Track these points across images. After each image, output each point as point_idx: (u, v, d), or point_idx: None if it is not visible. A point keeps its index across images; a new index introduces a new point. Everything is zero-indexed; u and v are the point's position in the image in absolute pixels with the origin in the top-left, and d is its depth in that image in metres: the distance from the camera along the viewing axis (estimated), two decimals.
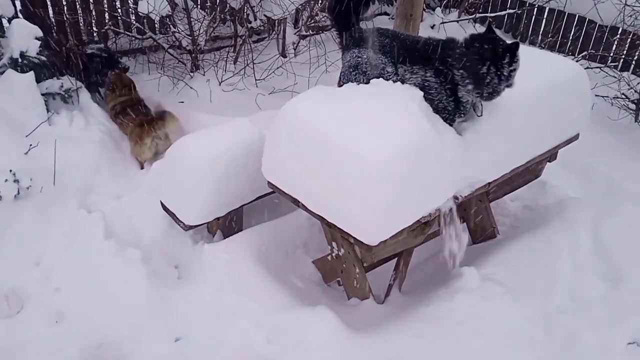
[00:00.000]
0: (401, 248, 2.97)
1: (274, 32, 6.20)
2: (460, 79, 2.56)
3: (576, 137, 3.37)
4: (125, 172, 3.98)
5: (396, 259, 3.14)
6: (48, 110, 3.94)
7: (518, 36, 7.11)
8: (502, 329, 2.71)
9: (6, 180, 3.33)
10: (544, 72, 3.09)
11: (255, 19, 5.90)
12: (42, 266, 3.20)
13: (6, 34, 3.93)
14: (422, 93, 2.62)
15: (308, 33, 6.40)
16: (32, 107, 3.83)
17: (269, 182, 2.88)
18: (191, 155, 3.17)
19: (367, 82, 2.72)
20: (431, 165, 2.47)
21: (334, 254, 3.01)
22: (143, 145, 4.02)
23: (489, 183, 2.93)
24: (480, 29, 3.61)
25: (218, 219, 3.29)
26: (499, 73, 2.51)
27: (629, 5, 5.45)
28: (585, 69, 3.37)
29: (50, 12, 5.04)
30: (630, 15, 5.46)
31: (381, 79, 2.71)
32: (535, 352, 2.67)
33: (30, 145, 3.58)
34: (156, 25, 5.68)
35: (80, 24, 5.36)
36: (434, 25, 6.75)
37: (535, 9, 6.82)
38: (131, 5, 5.57)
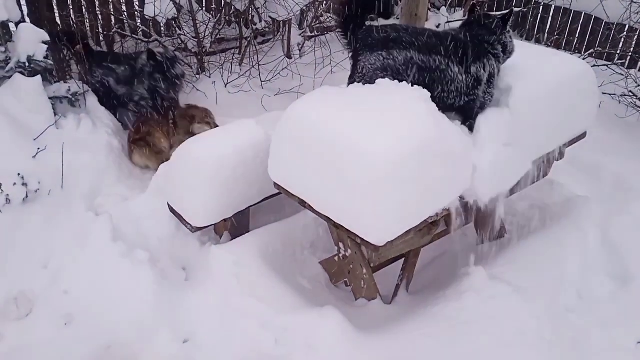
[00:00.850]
0: (408, 248, 2.97)
1: (279, 34, 6.20)
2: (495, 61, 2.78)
3: (583, 135, 3.35)
4: (132, 175, 3.99)
5: (403, 259, 3.14)
6: (55, 114, 3.96)
7: (524, 35, 7.08)
8: (510, 328, 2.70)
9: (15, 183, 3.35)
10: (551, 70, 3.08)
11: (261, 21, 5.90)
12: (50, 269, 3.22)
13: (13, 39, 3.96)
14: (428, 93, 2.60)
15: (313, 34, 6.40)
16: (40, 110, 3.85)
17: (275, 183, 2.88)
18: (198, 157, 3.18)
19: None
20: (438, 165, 2.47)
21: (341, 255, 3.01)
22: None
23: None
24: None
25: (225, 220, 3.30)
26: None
27: (635, 2, 5.42)
28: (592, 66, 3.35)
29: (57, 16, 5.07)
30: (637, 12, 5.43)
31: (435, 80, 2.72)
32: (544, 351, 2.66)
33: (38, 148, 3.61)
34: (162, 28, 5.70)
35: (87, 28, 5.38)
36: (439, 24, 6.73)
37: (541, 7, 6.79)
38: (137, 9, 5.59)
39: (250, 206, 3.35)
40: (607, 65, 5.56)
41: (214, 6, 5.95)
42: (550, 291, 2.95)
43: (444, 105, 2.69)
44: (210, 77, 5.47)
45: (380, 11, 2.88)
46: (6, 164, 3.42)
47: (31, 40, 3.95)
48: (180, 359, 2.76)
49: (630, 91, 5.13)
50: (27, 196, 3.38)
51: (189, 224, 3.24)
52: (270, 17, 5.85)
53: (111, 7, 5.45)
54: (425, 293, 3.12)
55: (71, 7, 5.15)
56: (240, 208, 3.29)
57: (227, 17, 5.89)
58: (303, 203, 2.73)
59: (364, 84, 2.73)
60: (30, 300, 3.08)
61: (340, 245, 2.97)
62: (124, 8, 5.55)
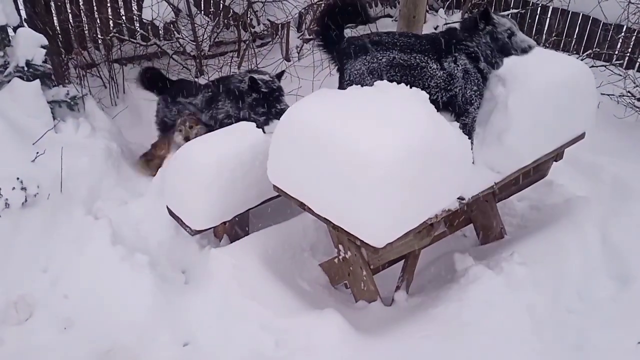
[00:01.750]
0: (408, 250, 2.97)
1: (278, 37, 6.21)
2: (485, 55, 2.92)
3: (582, 135, 3.35)
4: (131, 178, 3.99)
5: (403, 260, 3.13)
6: (54, 118, 3.95)
7: None
8: (510, 329, 2.70)
9: (13, 188, 3.34)
10: (549, 71, 3.08)
11: (259, 24, 5.91)
12: (50, 273, 3.21)
13: (12, 43, 3.96)
14: (426, 94, 2.62)
15: (311, 37, 6.40)
16: (39, 115, 3.85)
17: (274, 186, 2.88)
18: (197, 159, 3.18)
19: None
20: (437, 166, 2.47)
21: (340, 257, 3.01)
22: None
23: (496, 183, 2.92)
24: None
25: (224, 223, 3.30)
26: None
27: (632, 3, 5.42)
28: (590, 67, 3.36)
29: (55, 20, 5.08)
30: (635, 13, 5.43)
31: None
32: (545, 352, 2.66)
33: (37, 152, 3.60)
34: (160, 32, 5.71)
35: (85, 32, 5.39)
36: (437, 26, 6.73)
37: (539, 8, 6.80)
38: (135, 13, 5.59)
39: (250, 209, 3.35)
40: (605, 66, 5.56)
41: (212, 9, 5.96)
42: (551, 292, 2.95)
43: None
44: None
45: (359, 19, 3.02)
46: (5, 168, 3.41)
47: (30, 45, 3.95)
48: None
49: (629, 91, 5.13)
50: (26, 200, 3.37)
51: (188, 227, 3.23)
52: (268, 20, 5.86)
53: (109, 10, 5.46)
54: (425, 295, 3.12)
55: (69, 11, 5.16)
56: (239, 211, 3.29)
57: (226, 20, 5.89)
58: (302, 205, 2.73)
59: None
60: (29, 305, 3.07)
61: (340, 247, 2.97)
62: (122, 12, 5.56)
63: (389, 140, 2.39)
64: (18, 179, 3.38)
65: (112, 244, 3.25)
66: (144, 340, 2.85)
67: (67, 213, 3.50)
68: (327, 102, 2.69)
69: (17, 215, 3.34)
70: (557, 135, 3.18)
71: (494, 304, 2.78)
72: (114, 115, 4.78)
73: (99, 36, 5.46)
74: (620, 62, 5.89)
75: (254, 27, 5.87)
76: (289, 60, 6.00)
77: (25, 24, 4.25)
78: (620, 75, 5.28)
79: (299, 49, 6.13)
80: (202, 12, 5.74)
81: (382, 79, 2.80)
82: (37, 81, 3.88)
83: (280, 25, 6.00)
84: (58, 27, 5.09)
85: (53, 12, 5.04)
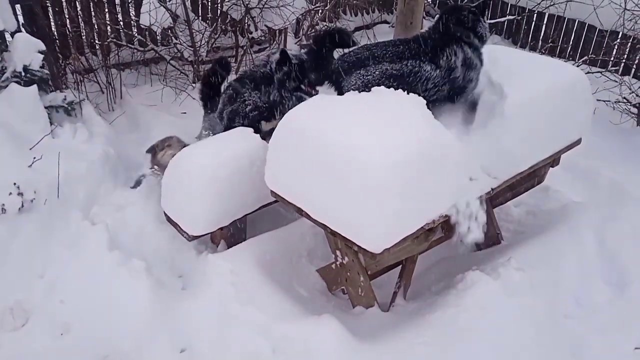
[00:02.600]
0: (405, 255, 2.97)
1: (275, 42, 6.23)
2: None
3: (578, 141, 3.37)
4: (128, 184, 3.98)
5: (400, 266, 3.13)
6: (51, 123, 3.95)
7: (518, 42, 7.12)
8: (508, 335, 2.69)
9: (10, 193, 3.33)
10: (546, 77, 3.10)
11: (256, 30, 5.93)
12: (46, 278, 3.20)
13: (9, 48, 3.96)
14: (424, 100, 2.63)
15: (309, 42, 6.42)
16: (36, 120, 3.84)
17: (272, 191, 2.88)
18: (194, 165, 3.18)
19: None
20: (434, 172, 2.48)
21: (338, 263, 3.01)
22: None
23: (492, 189, 2.93)
24: None
25: (222, 228, 3.30)
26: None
27: (628, 10, 5.46)
28: (586, 73, 3.37)
29: (53, 25, 5.08)
30: (630, 20, 5.48)
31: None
32: (542, 357, 2.66)
33: (34, 158, 3.59)
34: (158, 37, 5.71)
35: (83, 37, 5.40)
36: None
37: (535, 14, 6.84)
38: (133, 18, 5.60)
39: (247, 214, 3.35)
40: (601, 72, 5.60)
41: (209, 15, 5.98)
42: (548, 298, 2.95)
43: (432, 103, 2.77)
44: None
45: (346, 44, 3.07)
46: (2, 173, 3.40)
47: (27, 50, 3.95)
48: None
49: (624, 98, 5.16)
50: (22, 206, 3.37)
51: (185, 232, 3.23)
52: (266, 25, 5.88)
53: (107, 16, 5.47)
54: (422, 300, 3.12)
55: (67, 16, 5.17)
56: (236, 216, 3.29)
57: (223, 26, 5.91)
58: (300, 211, 2.73)
59: None
60: (26, 310, 3.06)
61: (337, 252, 2.97)
62: (120, 17, 5.57)
63: (387, 146, 2.39)
64: (15, 184, 3.37)
65: (109, 250, 3.24)
66: (140, 346, 2.83)
67: (64, 218, 3.49)
68: (325, 108, 2.70)
69: (13, 221, 3.33)
70: (553, 141, 3.19)
71: (491, 309, 2.78)
72: (112, 120, 4.78)
73: (97, 41, 5.47)
74: (616, 68, 5.93)
75: (251, 33, 5.88)
76: None
77: (22, 29, 4.26)
78: (616, 82, 5.31)
79: None
80: (200, 17, 5.75)
81: None
82: (35, 86, 3.88)
83: (277, 31, 6.02)
84: (56, 32, 5.10)
85: (51, 17, 5.04)
